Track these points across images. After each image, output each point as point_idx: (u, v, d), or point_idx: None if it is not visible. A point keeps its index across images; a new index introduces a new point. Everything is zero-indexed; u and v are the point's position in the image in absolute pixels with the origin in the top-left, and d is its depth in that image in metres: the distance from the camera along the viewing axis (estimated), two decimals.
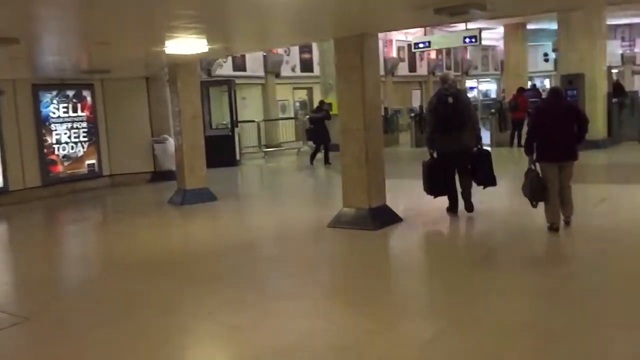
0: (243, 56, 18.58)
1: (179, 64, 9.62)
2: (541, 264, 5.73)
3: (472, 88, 30.07)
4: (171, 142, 11.87)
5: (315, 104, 21.10)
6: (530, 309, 4.39)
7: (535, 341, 3.77)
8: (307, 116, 19.23)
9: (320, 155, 14.33)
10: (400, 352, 3.70)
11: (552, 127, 6.30)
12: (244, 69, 18.84)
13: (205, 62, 16.51)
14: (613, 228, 6.64)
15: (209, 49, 7.93)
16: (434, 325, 4.11)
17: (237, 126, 15.65)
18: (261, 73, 19.56)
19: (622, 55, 29.56)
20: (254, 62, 19.13)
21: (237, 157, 15.49)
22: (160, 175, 12.89)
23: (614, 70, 19.25)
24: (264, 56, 19.36)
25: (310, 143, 15.33)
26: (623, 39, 30.18)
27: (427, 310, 4.51)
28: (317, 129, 14.28)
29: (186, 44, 7.45)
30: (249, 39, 8.31)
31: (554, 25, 23.60)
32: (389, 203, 7.43)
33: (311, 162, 14.38)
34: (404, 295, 4.94)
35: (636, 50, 29.91)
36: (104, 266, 6.56)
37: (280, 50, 19.77)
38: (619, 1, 8.84)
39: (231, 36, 7.77)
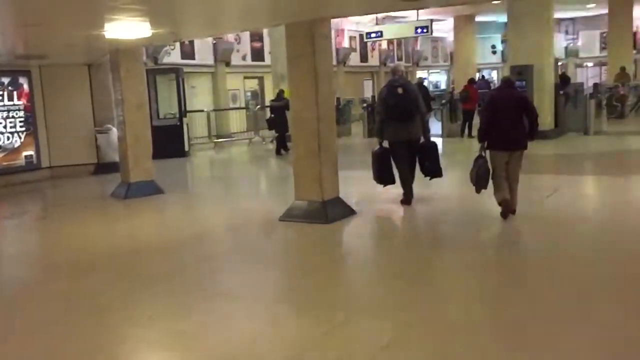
0: (192, 44, 18.05)
1: (121, 50, 9.12)
2: (495, 255, 5.66)
3: (424, 79, 30.30)
4: (115, 133, 11.33)
5: (267, 94, 20.86)
6: (488, 304, 4.27)
7: (495, 340, 3.64)
8: (258, 106, 18.95)
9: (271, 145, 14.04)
10: (356, 357, 3.47)
11: (503, 116, 6.35)
12: (193, 57, 18.31)
13: (151, 49, 15.97)
14: (566, 218, 6.65)
15: (152, 33, 7.51)
16: (391, 325, 3.90)
17: (185, 116, 15.18)
18: (211, 61, 19.05)
19: (566, 48, 30.41)
20: (204, 50, 18.61)
21: (186, 148, 15.03)
22: (103, 167, 12.33)
23: (560, 63, 19.69)
24: (214, 44, 18.87)
25: (269, 133, 14.95)
26: (567, 32, 31.06)
27: (384, 309, 4.30)
28: (277, 118, 13.99)
29: (128, 28, 7.02)
30: (196, 23, 7.93)
31: (501, 18, 24.05)
32: (342, 195, 7.24)
33: (285, 151, 13.98)
34: (359, 293, 4.74)
35: (579, 43, 30.79)
36: (40, 264, 6.12)
37: (231, 38, 19.31)
38: None
39: (177, 20, 7.36)
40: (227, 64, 19.48)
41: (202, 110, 17.45)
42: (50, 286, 5.21)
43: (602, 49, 27.36)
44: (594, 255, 5.30)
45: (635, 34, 23.33)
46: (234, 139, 18.04)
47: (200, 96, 18.85)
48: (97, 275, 5.42)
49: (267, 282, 5.06)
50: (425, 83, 19.72)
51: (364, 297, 4.63)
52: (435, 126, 15.74)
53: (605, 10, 21.89)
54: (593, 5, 23.47)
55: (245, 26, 10.97)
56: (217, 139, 17.53)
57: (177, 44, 17.32)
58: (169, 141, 14.26)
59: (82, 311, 4.46)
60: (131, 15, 6.15)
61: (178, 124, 14.87)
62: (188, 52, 18.08)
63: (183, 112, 15.01)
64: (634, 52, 23.33)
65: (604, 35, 25.65)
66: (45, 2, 5.37)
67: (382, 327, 3.89)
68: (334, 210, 6.93)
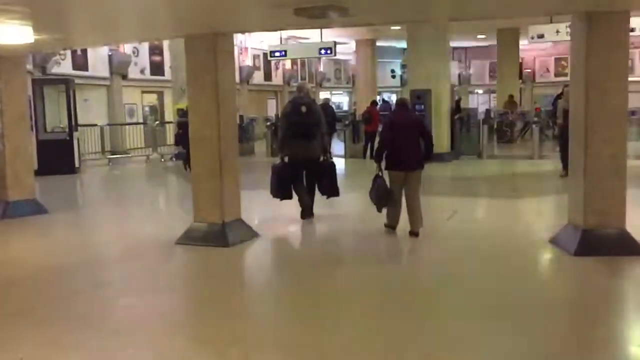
0: (85, 54, 17.04)
1: (1, 57, 8.30)
2: (399, 278, 5.59)
3: (329, 100, 30.72)
4: None
5: (167, 109, 20.10)
6: (389, 335, 4.13)
7: None
8: (157, 122, 18.20)
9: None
10: None
11: (401, 138, 6.57)
12: (86, 69, 17.27)
13: (39, 58, 14.88)
14: (466, 239, 6.77)
15: (36, 39, 6.86)
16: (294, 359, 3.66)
17: (76, 130, 14.20)
18: (106, 74, 18.07)
19: (459, 75, 32.03)
20: (98, 62, 17.62)
21: (77, 164, 14.03)
22: None
23: (456, 88, 20.62)
24: (110, 55, 17.93)
25: (168, 150, 14.29)
26: (460, 61, 32.74)
27: (285, 342, 4.03)
28: (185, 134, 13.36)
29: (6, 32, 6.33)
30: (87, 29, 7.35)
31: (400, 44, 24.92)
32: (244, 216, 6.93)
33: (185, 168, 13.37)
34: (260, 325, 4.44)
35: (471, 71, 32.59)
36: None
37: (128, 50, 18.46)
38: (464, 18, 9.30)
39: (64, 24, 6.76)
40: (124, 77, 18.59)
41: (96, 125, 16.46)
42: None
43: (491, 77, 29.11)
44: (494, 278, 5.37)
45: (520, 64, 24.98)
46: (130, 155, 17.16)
47: (93, 110, 17.79)
48: None
49: (160, 314, 4.63)
50: (330, 104, 19.95)
51: (264, 329, 4.35)
52: (338, 147, 15.89)
53: (494, 42, 23.27)
54: (483, 36, 24.86)
55: (142, 36, 10.45)
56: (112, 155, 16.58)
57: (69, 54, 16.27)
58: (57, 156, 13.33)
59: None
60: (10, 17, 5.54)
61: (68, 138, 13.89)
62: (81, 62, 17.05)
63: (74, 126, 14.05)
64: (520, 81, 24.99)
65: (493, 64, 27.30)
66: None
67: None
68: (234, 233, 6.60)
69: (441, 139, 13.99)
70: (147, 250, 6.59)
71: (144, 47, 19.28)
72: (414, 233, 6.60)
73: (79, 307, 4.76)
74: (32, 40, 6.76)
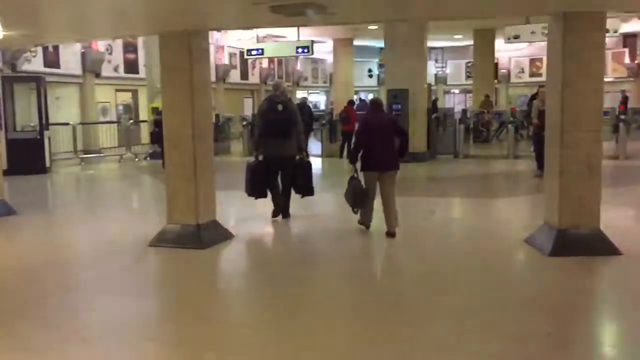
0: (57, 51, 16.65)
1: None
2: (375, 280, 5.55)
3: (306, 99, 30.64)
4: None
5: (142, 108, 19.78)
6: (366, 336, 4.08)
7: None
8: (131, 121, 17.90)
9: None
10: None
11: (374, 138, 6.58)
12: (58, 66, 16.88)
13: (9, 55, 14.52)
14: (445, 240, 6.77)
15: (5, 35, 6.66)
16: None
17: (47, 129, 13.89)
18: (78, 71, 17.70)
19: (435, 75, 32.22)
20: (70, 59, 17.25)
21: (47, 164, 13.72)
22: None
23: (433, 88, 20.70)
24: (82, 53, 17.58)
25: (142, 149, 14.05)
26: (436, 61, 32.94)
27: (259, 346, 3.95)
28: (161, 133, 13.17)
29: None
30: (58, 25, 7.16)
31: (377, 43, 24.96)
32: (219, 217, 6.82)
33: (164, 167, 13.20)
34: (236, 327, 4.36)
35: (447, 71, 32.81)
36: None
37: (101, 48, 18.12)
38: (442, 17, 9.34)
39: (34, 21, 6.56)
40: (97, 74, 18.24)
41: (68, 124, 16.12)
42: None
43: (468, 77, 29.34)
44: (469, 279, 5.35)
45: (496, 65, 25.22)
46: (103, 155, 16.85)
47: (65, 108, 17.42)
48: None
49: (132, 319, 4.50)
50: (307, 103, 19.83)
51: (238, 333, 4.25)
52: (315, 146, 15.83)
53: (470, 42, 23.44)
54: (460, 36, 25.03)
55: (115, 33, 10.24)
56: (84, 154, 16.26)
57: (40, 51, 15.90)
58: (28, 156, 13.01)
59: None
60: None
61: (38, 137, 13.57)
62: (52, 60, 16.66)
63: (44, 124, 13.74)
64: (496, 81, 25.22)
65: (469, 65, 27.50)
66: None
67: None
68: (209, 234, 6.49)
69: (418, 139, 14.01)
70: (119, 252, 6.42)
71: (118, 45, 18.95)
72: (390, 233, 6.57)
73: (46, 313, 4.59)
74: (1, 37, 6.56)
